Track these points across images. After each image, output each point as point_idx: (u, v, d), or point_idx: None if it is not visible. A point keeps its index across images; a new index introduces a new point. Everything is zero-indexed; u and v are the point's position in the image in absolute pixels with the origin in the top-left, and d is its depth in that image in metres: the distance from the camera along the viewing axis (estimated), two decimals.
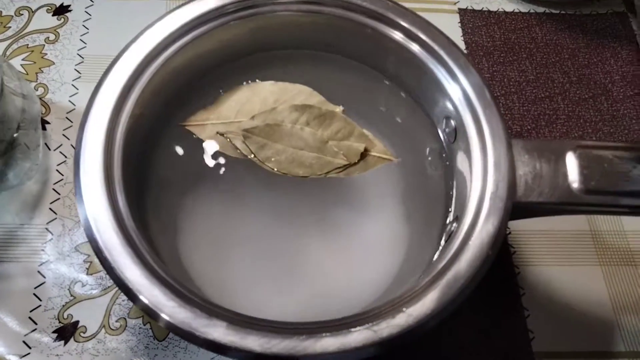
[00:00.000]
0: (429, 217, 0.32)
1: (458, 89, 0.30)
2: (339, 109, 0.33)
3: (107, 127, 0.26)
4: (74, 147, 0.39)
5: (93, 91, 0.27)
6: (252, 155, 0.31)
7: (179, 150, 0.32)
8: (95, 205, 0.24)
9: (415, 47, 0.31)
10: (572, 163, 0.28)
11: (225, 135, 0.31)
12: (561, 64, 0.45)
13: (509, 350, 0.35)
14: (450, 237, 0.28)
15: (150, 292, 0.23)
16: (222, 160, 0.33)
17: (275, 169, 0.31)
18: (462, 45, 0.46)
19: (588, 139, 0.42)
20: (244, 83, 0.34)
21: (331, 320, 0.24)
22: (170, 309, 0.22)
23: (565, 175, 0.27)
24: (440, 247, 0.29)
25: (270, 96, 0.33)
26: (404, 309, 0.23)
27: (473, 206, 0.26)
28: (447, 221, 0.31)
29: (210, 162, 0.32)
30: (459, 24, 0.47)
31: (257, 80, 0.34)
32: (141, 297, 0.23)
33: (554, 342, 0.35)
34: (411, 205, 0.33)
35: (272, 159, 0.31)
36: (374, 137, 0.32)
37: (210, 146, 0.31)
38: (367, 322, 0.23)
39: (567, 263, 0.38)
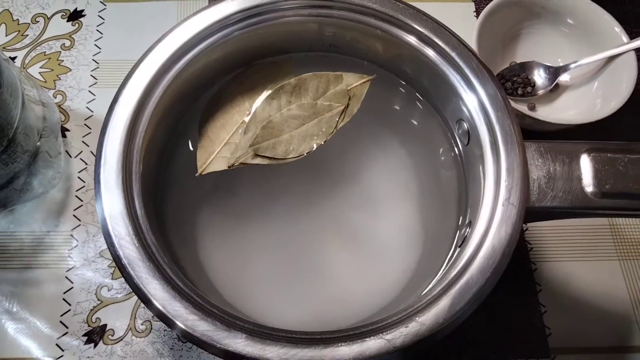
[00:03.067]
0: (443, 220, 0.32)
1: (470, 92, 0.29)
2: (288, 59, 0.34)
3: (124, 147, 0.27)
4: (93, 154, 0.40)
5: (109, 109, 0.28)
6: (274, 161, 0.31)
7: (192, 165, 0.32)
8: (117, 223, 0.25)
9: (428, 51, 0.31)
10: (586, 166, 0.27)
11: (235, 164, 0.31)
12: None
13: (526, 346, 0.35)
14: (463, 242, 0.28)
15: (172, 306, 0.24)
16: (235, 172, 0.33)
17: (298, 156, 0.31)
18: None
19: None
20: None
21: (346, 329, 0.24)
22: (191, 321, 0.23)
23: (579, 179, 0.27)
24: (453, 252, 0.29)
25: (235, 95, 0.33)
26: (417, 318, 0.24)
27: (486, 212, 0.27)
28: (461, 224, 0.31)
29: (224, 176, 0.32)
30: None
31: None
32: (162, 310, 0.24)
33: (570, 338, 0.35)
34: (426, 207, 0.33)
35: (289, 150, 0.31)
36: (344, 73, 0.33)
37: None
38: (381, 331, 0.24)
39: (585, 258, 0.38)
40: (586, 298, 0.37)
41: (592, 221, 0.39)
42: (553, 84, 0.42)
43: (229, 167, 0.31)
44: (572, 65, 0.41)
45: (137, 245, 0.25)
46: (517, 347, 0.35)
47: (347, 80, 0.33)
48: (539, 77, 0.42)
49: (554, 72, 0.42)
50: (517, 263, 0.37)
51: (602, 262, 0.38)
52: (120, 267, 0.24)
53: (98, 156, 0.27)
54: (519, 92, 0.42)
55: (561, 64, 0.42)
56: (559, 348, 0.35)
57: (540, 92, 0.42)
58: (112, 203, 0.26)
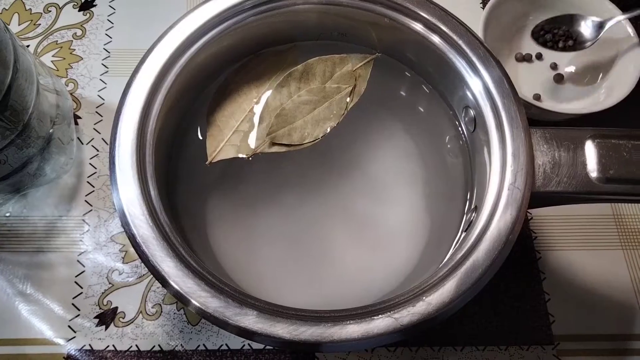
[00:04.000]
0: (449, 206, 0.32)
1: (477, 79, 0.30)
2: (293, 47, 0.35)
3: (137, 131, 0.27)
4: (105, 141, 0.40)
5: (122, 93, 0.28)
6: (291, 147, 0.32)
7: (202, 154, 0.33)
8: (132, 203, 0.26)
9: (435, 38, 0.31)
10: (590, 152, 0.28)
11: (254, 154, 0.32)
12: None
13: (530, 333, 0.35)
14: (469, 227, 0.28)
15: (185, 283, 0.24)
16: (244, 160, 0.33)
17: (314, 140, 0.32)
18: None
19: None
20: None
21: (355, 308, 0.25)
22: (204, 298, 0.24)
23: (584, 164, 0.28)
24: (459, 237, 0.30)
25: (242, 84, 0.34)
26: (424, 298, 0.24)
27: (492, 197, 0.27)
28: (467, 209, 0.31)
29: (233, 164, 0.33)
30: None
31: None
32: (176, 287, 0.24)
33: (573, 325, 0.36)
34: (431, 194, 0.33)
35: (304, 135, 0.32)
36: (347, 54, 0.34)
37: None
38: (389, 310, 0.24)
39: (588, 247, 0.38)
40: (589, 286, 0.37)
41: (596, 211, 0.39)
42: (596, 39, 0.40)
43: (247, 157, 0.31)
44: (612, 22, 0.40)
45: (151, 224, 0.25)
46: (521, 333, 0.36)
47: (352, 61, 0.34)
48: (586, 28, 0.40)
49: (598, 25, 0.40)
50: (522, 251, 0.38)
51: (605, 251, 0.38)
52: (134, 245, 0.25)
53: (113, 138, 0.27)
54: (560, 45, 0.41)
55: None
56: (562, 335, 0.36)
57: (588, 44, 0.40)
58: (126, 184, 0.26)
